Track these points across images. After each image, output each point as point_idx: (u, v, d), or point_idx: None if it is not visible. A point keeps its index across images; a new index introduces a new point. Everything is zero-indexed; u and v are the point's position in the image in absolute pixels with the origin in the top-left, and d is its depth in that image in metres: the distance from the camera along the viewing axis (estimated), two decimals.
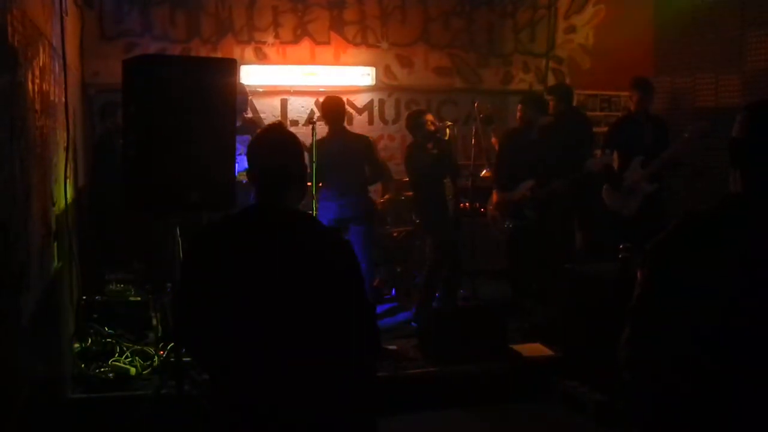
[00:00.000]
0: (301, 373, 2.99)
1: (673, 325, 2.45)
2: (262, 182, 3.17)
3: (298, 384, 2.99)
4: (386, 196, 9.55)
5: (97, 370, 6.27)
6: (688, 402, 2.46)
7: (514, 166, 8.45)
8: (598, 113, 10.71)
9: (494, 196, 8.63)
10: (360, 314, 3.15)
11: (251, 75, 9.74)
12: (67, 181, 6.06)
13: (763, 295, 2.37)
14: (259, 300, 2.98)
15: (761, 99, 2.67)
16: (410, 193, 8.77)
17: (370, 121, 10.57)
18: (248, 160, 3.25)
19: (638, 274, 2.60)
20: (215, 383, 3.22)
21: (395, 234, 9.29)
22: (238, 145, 5.78)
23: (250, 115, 9.06)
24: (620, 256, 6.19)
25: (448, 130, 8.26)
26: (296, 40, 10.18)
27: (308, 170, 3.25)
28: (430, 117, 8.24)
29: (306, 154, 3.25)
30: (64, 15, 6.32)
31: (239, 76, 7.01)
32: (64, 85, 6.03)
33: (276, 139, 3.24)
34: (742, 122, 2.56)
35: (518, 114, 8.59)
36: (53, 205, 5.58)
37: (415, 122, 8.17)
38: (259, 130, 3.37)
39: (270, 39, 10.07)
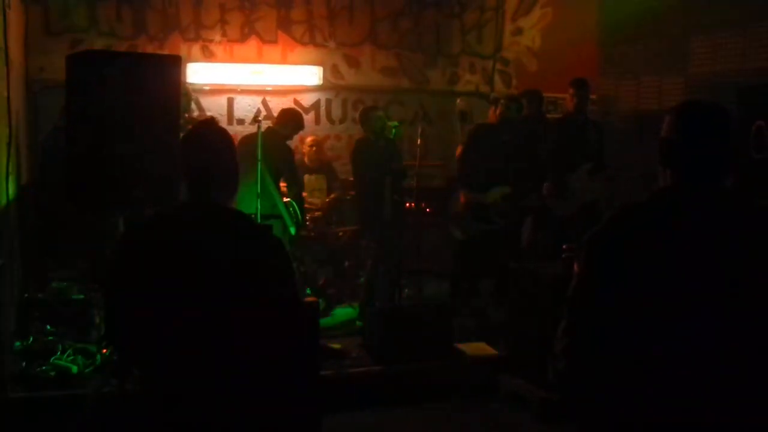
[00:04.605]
0: (235, 371, 2.94)
1: (608, 315, 2.50)
2: (191, 179, 3.11)
3: (232, 383, 2.94)
4: (332, 195, 9.56)
5: (39, 369, 6.19)
6: (623, 391, 2.50)
7: (486, 166, 8.27)
8: None
9: (462, 196, 8.45)
10: (294, 312, 3.13)
11: (198, 73, 9.69)
12: (9, 177, 5.98)
13: (692, 284, 2.43)
14: (187, 297, 2.92)
15: (688, 100, 2.75)
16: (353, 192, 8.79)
17: (317, 121, 10.55)
18: (178, 157, 3.21)
19: (575, 266, 2.64)
20: (144, 382, 3.16)
21: (340, 233, 9.29)
22: None
23: (195, 114, 9.01)
24: (563, 255, 6.26)
25: (394, 131, 8.31)
26: (243, 38, 10.14)
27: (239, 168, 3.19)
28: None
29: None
30: (6, 8, 6.24)
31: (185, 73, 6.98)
32: (6, 80, 5.96)
33: (205, 136, 3.18)
34: (669, 123, 2.63)
35: (498, 110, 8.40)
36: None
37: (366, 116, 8.31)
38: (189, 127, 3.32)
39: (217, 37, 10.02)
